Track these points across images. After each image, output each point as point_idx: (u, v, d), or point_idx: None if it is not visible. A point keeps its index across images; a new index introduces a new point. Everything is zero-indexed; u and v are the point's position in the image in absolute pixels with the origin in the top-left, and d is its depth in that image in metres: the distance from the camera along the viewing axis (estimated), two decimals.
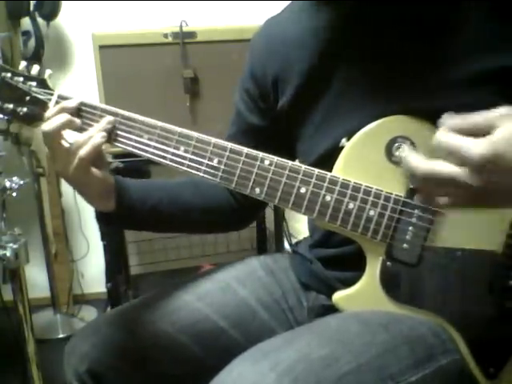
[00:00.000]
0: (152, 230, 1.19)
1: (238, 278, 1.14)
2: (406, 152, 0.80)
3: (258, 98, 1.08)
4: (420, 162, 0.71)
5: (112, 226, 1.13)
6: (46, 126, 0.94)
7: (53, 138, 0.94)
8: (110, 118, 0.97)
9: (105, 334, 1.04)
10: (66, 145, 0.94)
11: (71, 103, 0.98)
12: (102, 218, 1.04)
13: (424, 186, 0.75)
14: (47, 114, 0.97)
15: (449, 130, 0.70)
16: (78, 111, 0.98)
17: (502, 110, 0.69)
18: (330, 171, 0.89)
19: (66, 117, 0.95)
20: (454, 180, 0.68)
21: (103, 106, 0.98)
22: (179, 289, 1.13)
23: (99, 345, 1.02)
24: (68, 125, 0.95)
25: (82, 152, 0.93)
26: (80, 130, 0.97)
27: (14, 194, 1.48)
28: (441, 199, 0.73)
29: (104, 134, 0.95)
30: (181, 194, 1.09)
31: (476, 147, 0.66)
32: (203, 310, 1.07)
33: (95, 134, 0.94)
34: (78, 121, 0.97)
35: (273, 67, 1.04)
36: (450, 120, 0.70)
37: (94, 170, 0.95)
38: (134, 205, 1.02)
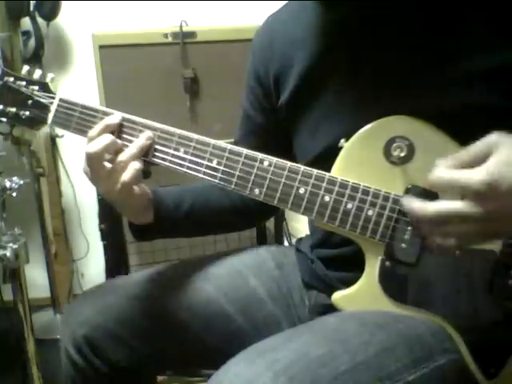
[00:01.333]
0: (186, 236, 1.21)
1: (249, 266, 1.14)
2: (406, 203, 0.80)
3: (262, 98, 1.09)
4: (424, 208, 0.75)
5: (150, 238, 1.11)
6: (91, 148, 0.92)
7: (97, 160, 0.92)
8: (149, 133, 0.95)
9: (105, 302, 1.04)
10: (108, 166, 0.93)
11: (114, 119, 0.96)
12: (139, 232, 1.05)
13: (433, 231, 0.76)
14: (91, 133, 0.94)
15: (445, 167, 0.73)
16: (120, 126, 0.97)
17: (492, 138, 0.73)
18: (327, 171, 0.89)
19: (109, 138, 0.93)
20: (461, 214, 0.71)
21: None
22: (187, 267, 1.13)
23: (102, 310, 1.02)
24: (112, 146, 0.93)
25: (125, 177, 0.92)
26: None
27: (14, 194, 1.48)
28: (453, 241, 0.75)
29: (142, 152, 0.94)
30: (209, 197, 1.10)
31: (474, 175, 0.70)
32: (209, 291, 1.07)
33: (135, 152, 0.93)
34: (119, 142, 0.95)
35: (274, 66, 1.04)
36: (444, 160, 0.74)
37: (135, 188, 0.95)
38: (170, 213, 1.04)
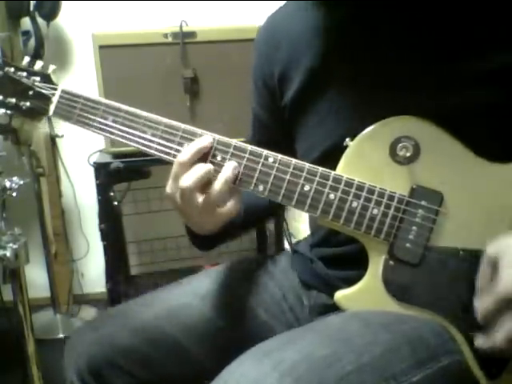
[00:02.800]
0: (233, 238, 1.16)
1: (238, 278, 1.14)
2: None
3: (268, 98, 1.09)
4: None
5: (211, 247, 1.08)
6: (186, 182, 0.87)
7: (190, 193, 0.87)
8: (234, 163, 0.90)
9: (105, 332, 1.04)
10: (200, 198, 0.88)
11: (206, 142, 0.91)
12: (203, 242, 1.04)
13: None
14: (180, 158, 0.89)
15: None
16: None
17: (491, 252, 0.79)
18: (332, 170, 0.89)
19: (203, 169, 0.88)
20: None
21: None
22: (178, 288, 1.13)
23: (99, 342, 1.02)
24: (206, 176, 0.88)
25: (224, 212, 0.90)
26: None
27: (14, 194, 1.47)
28: None
29: (229, 184, 0.90)
30: (249, 196, 1.07)
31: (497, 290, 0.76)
32: (203, 310, 1.07)
33: (224, 188, 0.88)
34: (212, 168, 0.90)
35: (278, 66, 1.04)
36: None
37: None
38: (235, 220, 1.00)
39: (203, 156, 0.91)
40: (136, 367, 1.03)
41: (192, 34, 2.01)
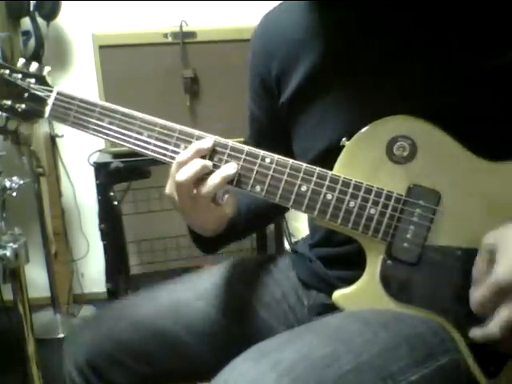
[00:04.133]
0: (237, 239, 1.15)
1: (238, 277, 1.14)
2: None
3: (266, 97, 1.09)
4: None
5: (215, 250, 1.09)
6: (182, 176, 0.88)
7: (187, 187, 0.89)
8: (234, 164, 0.91)
9: (105, 326, 1.05)
10: (194, 192, 0.89)
11: (207, 144, 0.91)
12: (206, 243, 1.04)
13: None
14: (179, 158, 0.90)
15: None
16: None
17: (488, 242, 0.80)
18: (328, 170, 0.89)
19: (200, 163, 0.89)
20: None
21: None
22: (179, 285, 1.13)
23: (99, 336, 1.03)
24: (203, 171, 0.89)
25: (220, 209, 0.92)
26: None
27: (14, 194, 1.47)
28: None
29: (225, 182, 0.90)
30: (250, 197, 1.05)
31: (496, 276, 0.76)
32: (203, 307, 1.08)
33: (218, 183, 0.89)
34: (210, 164, 0.91)
35: (276, 66, 1.04)
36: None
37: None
38: (236, 221, 1.01)
39: (202, 157, 0.91)
40: (135, 361, 1.03)
41: (192, 34, 2.01)
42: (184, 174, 0.88)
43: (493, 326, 0.76)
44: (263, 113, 1.13)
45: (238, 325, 1.08)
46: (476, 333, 0.80)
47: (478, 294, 0.78)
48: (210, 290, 1.11)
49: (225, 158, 0.92)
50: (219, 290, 1.11)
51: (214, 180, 0.89)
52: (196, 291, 1.10)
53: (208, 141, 0.91)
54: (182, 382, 1.08)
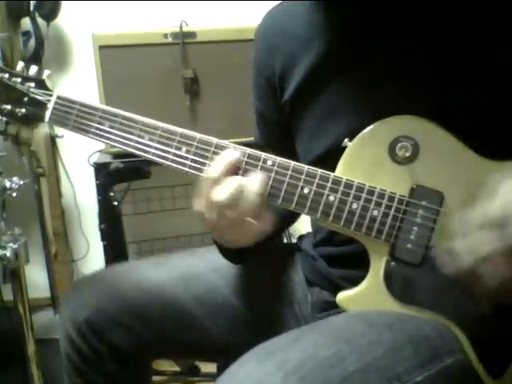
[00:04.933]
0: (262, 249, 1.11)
1: (255, 261, 1.11)
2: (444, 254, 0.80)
3: (270, 95, 1.09)
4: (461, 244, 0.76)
5: (246, 260, 1.07)
6: (220, 196, 0.84)
7: (223, 209, 0.85)
8: (264, 176, 0.88)
9: (110, 285, 1.03)
10: (233, 212, 0.85)
11: (236, 155, 0.89)
12: (239, 255, 1.02)
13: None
14: (211, 174, 0.87)
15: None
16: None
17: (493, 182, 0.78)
18: (330, 171, 0.89)
19: (237, 184, 0.85)
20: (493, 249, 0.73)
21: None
22: (191, 256, 1.13)
23: (104, 294, 1.02)
24: (240, 194, 0.85)
25: (259, 225, 0.87)
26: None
27: (14, 194, 1.48)
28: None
29: (263, 198, 0.88)
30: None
31: (489, 209, 0.74)
32: (216, 282, 1.07)
33: (256, 200, 0.86)
34: (243, 184, 0.87)
35: (279, 64, 1.04)
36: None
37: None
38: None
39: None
40: (140, 325, 1.02)
41: (192, 34, 2.01)
42: (222, 195, 0.85)
43: (459, 244, 0.76)
44: (272, 112, 1.11)
45: (249, 307, 1.08)
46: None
47: (465, 219, 0.76)
48: (225, 267, 1.09)
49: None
50: (235, 269, 1.10)
51: (250, 198, 0.86)
52: (211, 265, 1.10)
53: (236, 152, 0.89)
54: (184, 358, 1.07)
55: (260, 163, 0.90)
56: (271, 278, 1.13)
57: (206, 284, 1.07)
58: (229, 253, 1.03)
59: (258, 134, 1.18)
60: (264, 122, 1.15)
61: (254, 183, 0.87)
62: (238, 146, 0.92)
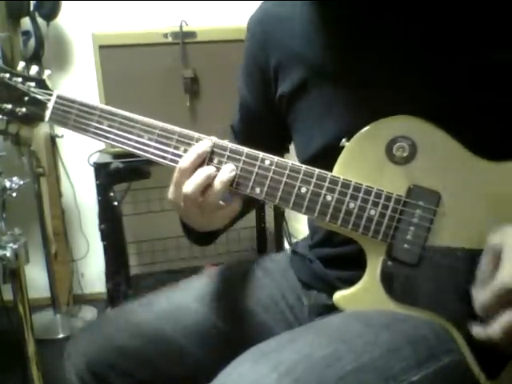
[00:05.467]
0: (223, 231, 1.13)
1: (236, 279, 1.14)
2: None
3: (261, 86, 1.08)
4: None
5: (209, 242, 1.10)
6: (188, 188, 0.88)
7: (193, 199, 0.89)
8: (231, 166, 0.91)
9: (105, 333, 1.05)
10: (200, 200, 0.89)
11: (205, 146, 0.91)
12: (201, 238, 1.04)
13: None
14: (181, 164, 0.90)
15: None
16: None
17: (493, 242, 0.78)
18: (326, 169, 0.89)
19: (204, 174, 0.89)
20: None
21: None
22: (178, 290, 1.13)
23: (99, 343, 1.03)
24: (207, 181, 0.89)
25: (227, 210, 0.92)
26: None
27: (14, 194, 1.47)
28: None
29: (227, 186, 0.90)
30: None
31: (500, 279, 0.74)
32: (202, 311, 1.07)
33: (220, 189, 0.89)
34: (213, 172, 0.90)
35: (275, 55, 1.03)
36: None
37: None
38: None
39: (203, 160, 0.91)
40: (136, 368, 1.03)
41: (192, 34, 2.02)
42: (190, 187, 0.88)
43: (495, 329, 0.75)
44: (259, 102, 1.10)
45: (237, 327, 1.08)
46: (479, 331, 0.79)
47: (482, 297, 0.77)
48: (209, 293, 1.10)
49: (224, 159, 0.91)
50: (218, 293, 1.10)
51: (216, 187, 0.89)
52: (194, 294, 1.10)
53: (206, 143, 0.91)
54: None
55: (258, 162, 0.90)
56: (256, 294, 1.12)
57: (193, 315, 1.07)
58: (199, 236, 1.03)
59: (238, 118, 1.16)
60: (247, 110, 1.14)
61: (222, 173, 0.90)
62: (235, 145, 0.92)
